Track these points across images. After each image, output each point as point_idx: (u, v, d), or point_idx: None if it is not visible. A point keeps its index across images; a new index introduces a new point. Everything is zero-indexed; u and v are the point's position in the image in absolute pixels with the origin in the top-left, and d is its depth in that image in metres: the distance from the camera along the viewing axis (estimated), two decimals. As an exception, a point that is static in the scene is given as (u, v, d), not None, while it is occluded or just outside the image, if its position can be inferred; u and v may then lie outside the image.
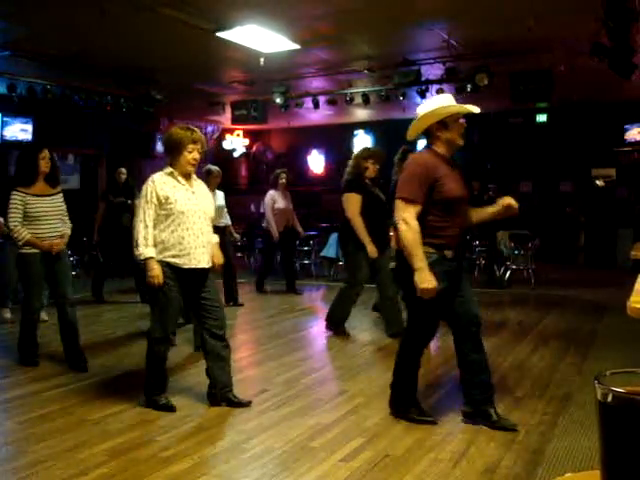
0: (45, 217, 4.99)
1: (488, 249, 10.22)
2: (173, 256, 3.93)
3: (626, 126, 12.03)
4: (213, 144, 15.37)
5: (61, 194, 5.22)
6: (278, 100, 10.14)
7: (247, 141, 15.65)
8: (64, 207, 5.21)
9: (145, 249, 3.88)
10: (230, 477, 3.16)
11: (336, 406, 4.17)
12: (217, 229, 7.84)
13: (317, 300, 9.18)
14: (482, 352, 3.77)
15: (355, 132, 14.20)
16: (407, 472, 3.15)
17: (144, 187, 4.00)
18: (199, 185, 4.20)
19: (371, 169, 6.11)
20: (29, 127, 10.79)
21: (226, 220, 8.15)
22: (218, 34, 7.01)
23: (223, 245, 7.95)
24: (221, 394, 4.17)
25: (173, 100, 10.50)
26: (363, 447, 3.47)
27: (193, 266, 3.98)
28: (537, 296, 8.60)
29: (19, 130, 10.72)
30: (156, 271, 3.88)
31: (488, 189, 12.37)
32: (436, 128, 3.65)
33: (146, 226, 3.90)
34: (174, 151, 4.03)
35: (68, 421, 3.92)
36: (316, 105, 10.38)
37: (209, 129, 14.76)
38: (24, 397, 4.40)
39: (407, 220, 3.50)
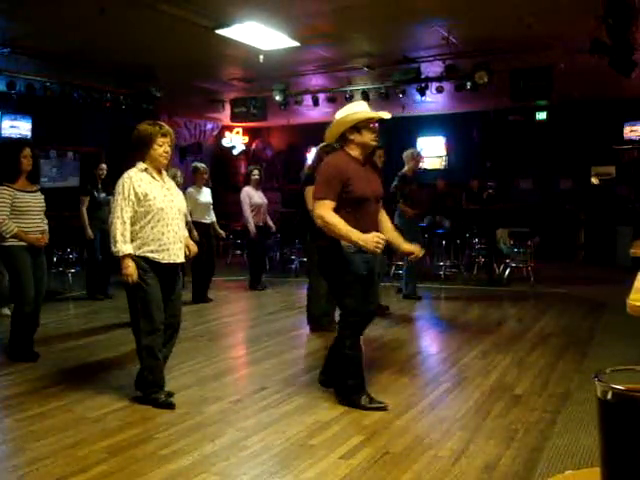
0: (30, 212, 5.12)
1: (487, 247, 10.22)
2: (152, 251, 3.96)
3: (625, 124, 12.04)
4: (212, 141, 15.37)
5: (40, 191, 5.33)
6: (277, 97, 10.14)
7: (246, 138, 15.64)
8: (44, 203, 5.33)
9: (123, 246, 3.90)
10: (229, 474, 3.15)
11: (335, 404, 4.16)
12: (203, 225, 7.97)
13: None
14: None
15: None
16: (406, 469, 3.16)
17: (120, 183, 4.00)
18: (170, 181, 4.24)
19: None
20: (28, 124, 10.78)
21: (212, 217, 8.17)
22: (218, 31, 7.00)
23: (208, 242, 8.05)
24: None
25: (173, 97, 10.50)
26: (362, 444, 3.47)
27: (172, 261, 4.04)
28: (536, 294, 8.60)
29: (18, 127, 10.71)
30: (131, 269, 3.90)
31: (487, 187, 12.38)
32: (349, 132, 3.98)
33: (123, 222, 3.91)
34: (144, 147, 4.05)
35: (67, 418, 3.92)
36: (315, 102, 10.38)
37: (208, 126, 14.75)
38: (23, 394, 4.40)
39: (322, 215, 3.83)
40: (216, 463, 3.26)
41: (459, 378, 4.73)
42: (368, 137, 3.97)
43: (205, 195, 8.10)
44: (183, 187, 8.32)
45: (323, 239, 3.98)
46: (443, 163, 13.93)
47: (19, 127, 10.73)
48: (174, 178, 7.77)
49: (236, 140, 15.44)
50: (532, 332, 6.22)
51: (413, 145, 13.63)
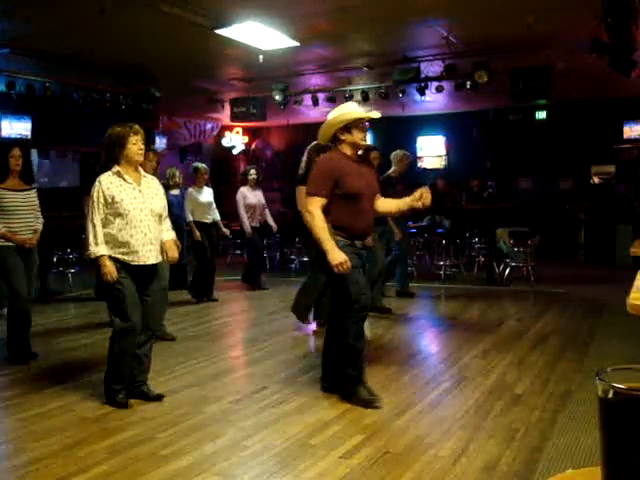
0: (18, 211, 5.12)
1: (487, 246, 10.22)
2: (122, 253, 4.04)
3: (625, 124, 12.04)
4: (212, 141, 15.37)
5: (35, 190, 5.34)
6: (277, 97, 10.13)
7: (246, 138, 15.64)
8: (37, 202, 5.33)
9: (95, 247, 3.99)
10: (230, 474, 3.15)
11: (335, 403, 4.17)
12: (204, 225, 7.98)
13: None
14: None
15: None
16: (407, 469, 3.16)
17: (92, 188, 4.09)
18: (149, 182, 4.26)
19: None
20: (28, 125, 10.77)
21: (214, 216, 8.18)
22: (217, 31, 7.00)
23: (210, 241, 8.06)
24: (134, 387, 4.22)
25: (172, 97, 10.50)
26: (363, 444, 3.47)
27: (142, 263, 4.08)
28: (537, 293, 8.60)
29: (18, 128, 10.71)
30: (109, 267, 3.97)
31: (487, 187, 12.38)
32: (340, 133, 4.13)
33: (94, 225, 4.01)
34: (117, 147, 4.11)
35: (68, 419, 3.93)
36: (315, 102, 10.37)
37: (208, 126, 14.75)
38: (23, 395, 4.40)
39: (311, 210, 4.00)
40: (216, 463, 3.26)
41: (459, 378, 4.73)
42: (358, 136, 4.12)
43: (206, 195, 8.11)
44: (184, 187, 8.35)
45: None
46: (443, 163, 13.93)
47: (19, 127, 10.72)
48: (172, 178, 7.79)
49: (236, 140, 15.44)
50: (532, 331, 6.22)
51: (413, 145, 13.67)
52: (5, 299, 6.97)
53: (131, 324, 4.05)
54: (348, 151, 4.15)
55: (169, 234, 4.34)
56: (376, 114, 4.19)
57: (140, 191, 4.14)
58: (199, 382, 4.65)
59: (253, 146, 15.80)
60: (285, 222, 10.89)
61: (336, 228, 4.02)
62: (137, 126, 4.20)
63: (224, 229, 8.42)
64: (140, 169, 4.24)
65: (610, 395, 0.86)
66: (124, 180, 4.10)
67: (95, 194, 4.05)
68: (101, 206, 4.03)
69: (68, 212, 9.26)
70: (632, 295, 2.45)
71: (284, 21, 6.82)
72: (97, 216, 4.02)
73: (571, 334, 6.12)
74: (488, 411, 3.99)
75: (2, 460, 3.36)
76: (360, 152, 4.44)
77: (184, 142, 14.28)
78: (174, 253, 4.35)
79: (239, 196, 8.66)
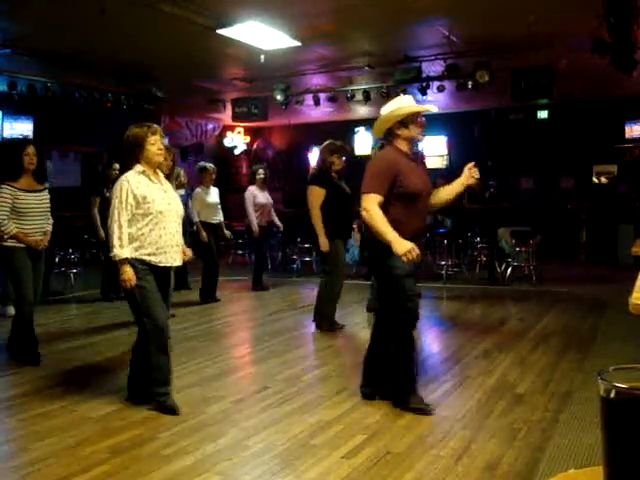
0: (31, 213, 5.04)
1: (489, 246, 10.21)
2: (149, 254, 3.91)
3: (626, 123, 12.03)
4: (214, 141, 15.37)
5: (47, 190, 5.26)
6: (279, 97, 10.13)
7: (248, 138, 15.64)
8: (49, 204, 5.25)
9: (120, 250, 3.84)
10: (232, 474, 3.15)
11: (337, 403, 4.17)
12: (211, 226, 7.97)
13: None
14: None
15: (356, 129, 14.18)
16: (408, 469, 3.15)
17: (117, 187, 3.93)
18: (167, 183, 4.18)
19: (337, 163, 6.26)
20: (30, 125, 10.78)
21: (220, 217, 8.17)
22: (218, 31, 7.01)
23: (215, 241, 8.05)
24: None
25: (174, 97, 10.50)
26: (364, 444, 3.47)
27: (169, 264, 4.01)
28: (538, 293, 8.59)
29: (19, 128, 10.72)
30: (128, 274, 3.84)
31: (489, 186, 12.36)
32: (397, 127, 3.95)
33: (120, 226, 3.85)
34: (137, 148, 3.99)
35: (69, 418, 3.93)
36: (317, 102, 10.38)
37: (210, 126, 14.76)
38: (25, 395, 4.40)
39: (367, 207, 3.82)
40: (218, 463, 3.26)
41: (461, 377, 4.72)
42: (415, 131, 3.97)
43: (213, 195, 8.09)
44: (190, 188, 8.34)
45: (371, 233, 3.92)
46: (444, 162, 13.92)
47: (20, 128, 10.73)
48: (177, 178, 7.78)
49: (237, 140, 15.44)
50: (534, 331, 6.22)
51: (414, 144, 13.63)
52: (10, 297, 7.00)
53: (161, 322, 3.97)
54: (404, 147, 3.99)
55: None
56: (433, 108, 4.03)
57: (165, 191, 4.06)
58: (201, 382, 4.65)
59: (254, 146, 15.80)
60: (287, 222, 10.88)
61: (394, 227, 3.82)
62: (155, 125, 4.08)
63: (226, 231, 8.41)
64: (157, 169, 4.13)
65: (612, 395, 0.86)
66: (151, 180, 3.99)
67: (123, 194, 3.86)
68: (129, 206, 3.87)
69: (70, 212, 9.27)
70: (634, 295, 2.45)
71: (285, 21, 6.83)
72: (124, 216, 3.85)
73: (573, 334, 6.11)
74: (490, 411, 3.99)
75: (4, 460, 3.36)
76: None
77: (185, 142, 14.29)
78: (189, 254, 4.31)
79: (248, 195, 8.61)
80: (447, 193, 4.23)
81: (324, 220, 6.12)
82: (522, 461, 3.24)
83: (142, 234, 3.90)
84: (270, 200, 8.85)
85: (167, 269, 4.04)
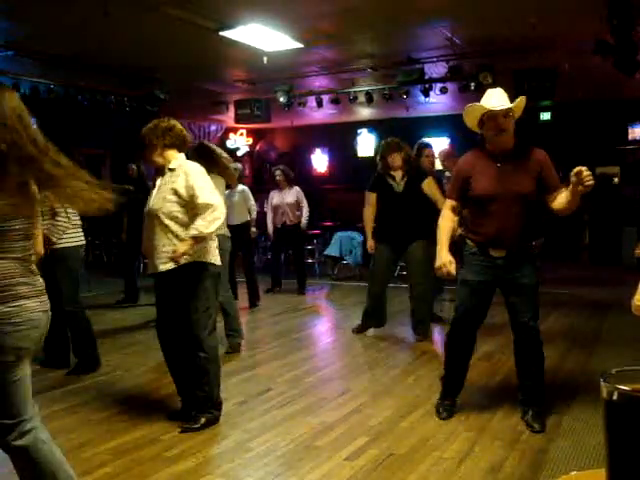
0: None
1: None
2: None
3: (629, 125, 12.01)
4: (216, 143, 15.38)
5: None
6: (281, 99, 10.13)
7: (250, 140, 15.65)
8: None
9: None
10: (234, 476, 3.16)
11: (340, 405, 4.17)
12: (238, 227, 7.79)
13: (321, 299, 9.17)
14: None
15: (359, 131, 14.18)
16: (411, 471, 3.15)
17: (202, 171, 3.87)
18: (171, 176, 3.97)
19: (390, 162, 6.10)
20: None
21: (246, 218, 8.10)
22: (221, 33, 7.01)
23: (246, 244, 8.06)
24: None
25: (176, 99, 10.50)
26: (367, 446, 3.47)
27: (150, 272, 3.83)
28: (541, 294, 8.51)
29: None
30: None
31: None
32: (479, 126, 3.74)
33: None
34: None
35: (72, 420, 3.93)
36: (319, 104, 10.37)
37: (212, 128, 14.76)
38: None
39: (442, 213, 3.85)
40: (221, 465, 3.26)
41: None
42: (487, 133, 3.68)
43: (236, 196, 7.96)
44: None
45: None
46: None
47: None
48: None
49: (240, 142, 15.45)
50: (537, 333, 6.19)
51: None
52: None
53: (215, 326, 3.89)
54: (490, 146, 3.72)
55: None
56: (499, 104, 3.61)
57: (159, 186, 4.08)
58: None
59: (257, 148, 15.81)
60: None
61: (467, 232, 3.82)
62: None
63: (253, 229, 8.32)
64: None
65: (615, 397, 0.86)
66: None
67: None
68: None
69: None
70: (637, 297, 2.44)
71: (288, 23, 6.83)
72: None
73: (576, 335, 6.10)
74: (493, 413, 3.98)
75: (7, 461, 3.36)
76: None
77: (188, 144, 14.28)
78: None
79: (269, 198, 9.05)
80: (565, 200, 3.82)
81: (376, 221, 6.20)
82: (525, 463, 3.23)
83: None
84: (286, 200, 8.86)
85: (154, 275, 3.76)
